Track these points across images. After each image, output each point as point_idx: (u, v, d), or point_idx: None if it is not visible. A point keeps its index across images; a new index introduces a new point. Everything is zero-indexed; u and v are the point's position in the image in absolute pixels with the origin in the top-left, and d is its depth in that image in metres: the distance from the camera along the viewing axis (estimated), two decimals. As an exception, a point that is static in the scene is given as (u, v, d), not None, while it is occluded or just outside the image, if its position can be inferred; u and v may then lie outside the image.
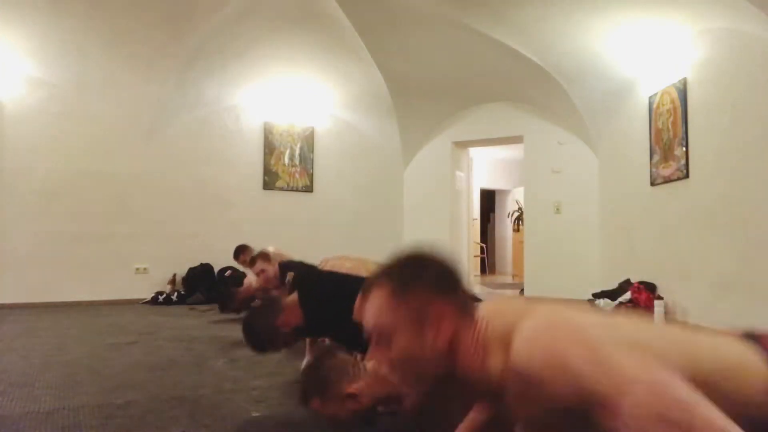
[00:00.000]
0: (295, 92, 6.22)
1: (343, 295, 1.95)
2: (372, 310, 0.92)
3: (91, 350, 2.92)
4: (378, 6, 4.84)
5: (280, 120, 6.32)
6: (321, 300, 2.22)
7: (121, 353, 2.85)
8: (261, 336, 2.27)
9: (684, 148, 4.16)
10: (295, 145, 6.40)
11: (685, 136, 4.15)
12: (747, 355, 0.86)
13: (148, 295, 5.36)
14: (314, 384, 1.71)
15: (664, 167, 4.44)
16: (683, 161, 4.16)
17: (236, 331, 3.66)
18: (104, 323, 4.02)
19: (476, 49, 5.22)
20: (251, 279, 4.22)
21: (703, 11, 3.77)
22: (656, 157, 4.56)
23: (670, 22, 4.07)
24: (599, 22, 4.34)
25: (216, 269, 5.66)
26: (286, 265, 3.76)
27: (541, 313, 0.81)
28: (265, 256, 4.08)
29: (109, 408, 1.84)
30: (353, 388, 1.63)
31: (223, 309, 4.28)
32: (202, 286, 5.50)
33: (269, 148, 6.26)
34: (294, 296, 2.24)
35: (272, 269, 4.07)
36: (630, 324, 0.88)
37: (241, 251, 4.98)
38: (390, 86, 6.10)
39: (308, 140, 6.47)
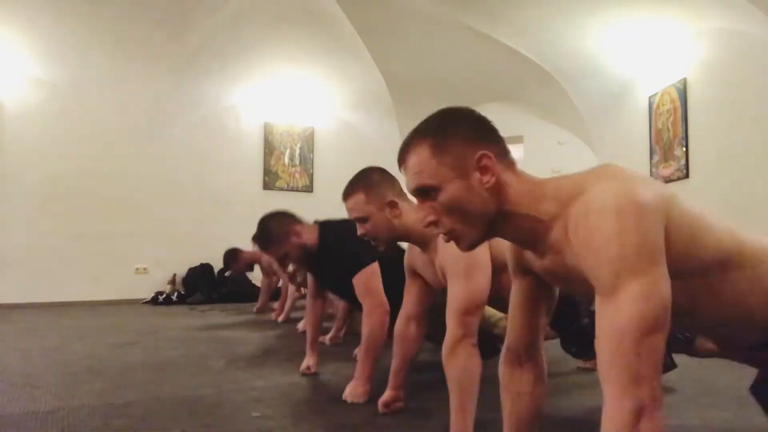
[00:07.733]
0: (295, 92, 6.22)
1: (361, 243, 1.89)
2: (414, 168, 0.96)
3: (91, 350, 2.92)
4: (378, 6, 4.85)
5: (280, 120, 6.32)
6: (339, 234, 2.21)
7: (121, 353, 2.84)
8: (270, 231, 2.24)
9: (684, 148, 4.16)
10: (295, 145, 6.40)
11: (685, 136, 4.15)
12: None
13: (148, 295, 5.36)
14: (362, 178, 1.72)
15: (664, 167, 4.44)
16: (683, 161, 4.16)
17: (236, 331, 3.68)
18: (104, 323, 4.02)
19: (476, 49, 5.22)
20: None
21: (703, 11, 3.77)
22: (656, 157, 4.56)
23: (670, 22, 4.07)
24: (599, 22, 4.35)
25: (216, 269, 5.66)
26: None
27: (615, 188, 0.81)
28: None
29: (109, 408, 1.84)
30: (397, 199, 1.65)
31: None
32: (202, 286, 5.50)
33: (269, 148, 6.26)
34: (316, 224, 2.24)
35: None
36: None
37: (233, 258, 4.43)
38: (390, 86, 6.10)
39: (308, 140, 6.46)
